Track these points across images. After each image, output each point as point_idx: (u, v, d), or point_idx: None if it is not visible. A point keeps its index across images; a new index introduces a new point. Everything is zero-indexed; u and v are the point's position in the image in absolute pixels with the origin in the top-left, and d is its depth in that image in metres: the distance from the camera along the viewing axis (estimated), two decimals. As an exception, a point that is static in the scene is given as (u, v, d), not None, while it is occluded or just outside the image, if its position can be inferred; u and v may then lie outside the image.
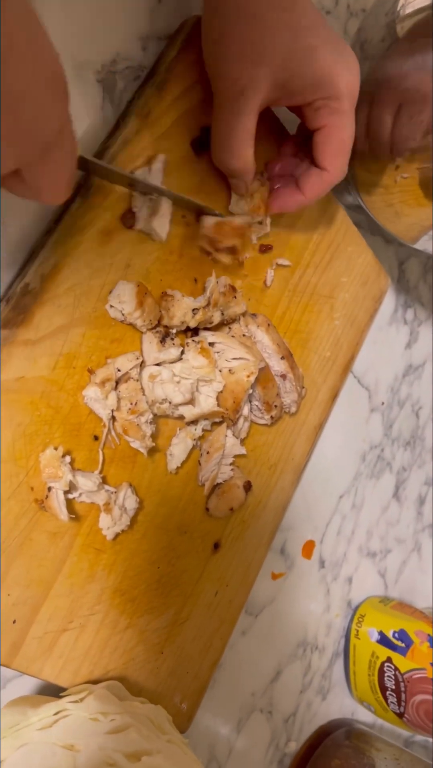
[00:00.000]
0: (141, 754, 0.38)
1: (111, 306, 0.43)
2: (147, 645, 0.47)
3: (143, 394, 0.44)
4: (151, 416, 0.44)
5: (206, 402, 0.46)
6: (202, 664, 0.51)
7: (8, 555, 0.39)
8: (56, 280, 0.40)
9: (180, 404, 0.45)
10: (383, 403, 0.73)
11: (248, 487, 0.51)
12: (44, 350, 0.40)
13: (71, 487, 0.41)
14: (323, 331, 0.59)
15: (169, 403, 0.45)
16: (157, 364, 0.44)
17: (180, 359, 0.45)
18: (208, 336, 0.47)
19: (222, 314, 0.47)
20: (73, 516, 0.42)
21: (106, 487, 0.43)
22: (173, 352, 0.44)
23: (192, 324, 0.45)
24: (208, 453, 0.48)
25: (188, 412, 0.46)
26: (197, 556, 0.50)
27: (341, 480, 0.69)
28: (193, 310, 0.44)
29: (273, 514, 0.56)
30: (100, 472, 0.43)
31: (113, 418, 0.43)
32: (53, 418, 0.41)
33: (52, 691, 0.43)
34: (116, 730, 0.39)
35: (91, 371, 0.42)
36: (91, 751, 0.37)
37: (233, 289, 0.48)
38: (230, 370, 0.47)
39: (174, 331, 0.46)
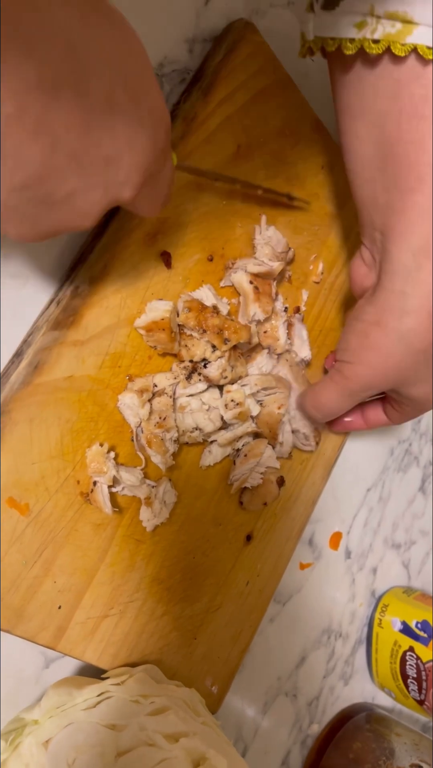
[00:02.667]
0: (179, 735, 0.40)
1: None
2: (181, 631, 0.49)
3: (174, 411, 0.45)
4: (176, 434, 0.45)
5: (242, 426, 0.48)
6: (232, 649, 0.53)
7: (55, 545, 0.41)
8: (104, 283, 0.42)
9: (211, 432, 0.47)
10: (412, 398, 0.73)
11: (281, 482, 0.53)
12: (92, 350, 0.42)
13: (115, 481, 0.43)
14: (356, 329, 0.59)
15: (201, 431, 0.46)
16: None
17: (207, 390, 0.46)
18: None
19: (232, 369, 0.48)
20: (117, 509, 0.44)
21: (147, 481, 0.45)
22: (200, 386, 0.45)
23: (213, 359, 0.45)
24: (245, 456, 0.49)
25: (222, 436, 0.48)
26: (230, 548, 0.52)
27: (369, 473, 0.70)
28: (213, 346, 0.45)
29: (303, 508, 0.58)
30: (143, 468, 0.45)
31: (141, 429, 0.44)
32: (99, 415, 0.43)
33: (92, 672, 0.45)
34: (156, 712, 0.41)
35: (131, 378, 0.43)
36: (133, 731, 0.39)
37: (234, 348, 0.47)
38: (261, 403, 0.49)
39: (199, 366, 0.46)
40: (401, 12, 0.35)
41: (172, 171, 0.35)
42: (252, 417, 0.49)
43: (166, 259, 0.44)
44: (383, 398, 0.51)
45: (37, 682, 0.46)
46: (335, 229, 0.55)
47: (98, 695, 0.41)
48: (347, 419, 0.54)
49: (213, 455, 0.48)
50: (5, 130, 0.23)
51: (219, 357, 0.45)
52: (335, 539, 0.67)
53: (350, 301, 0.58)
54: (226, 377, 0.45)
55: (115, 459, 0.43)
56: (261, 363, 0.50)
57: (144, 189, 0.32)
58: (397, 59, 0.37)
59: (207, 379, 0.45)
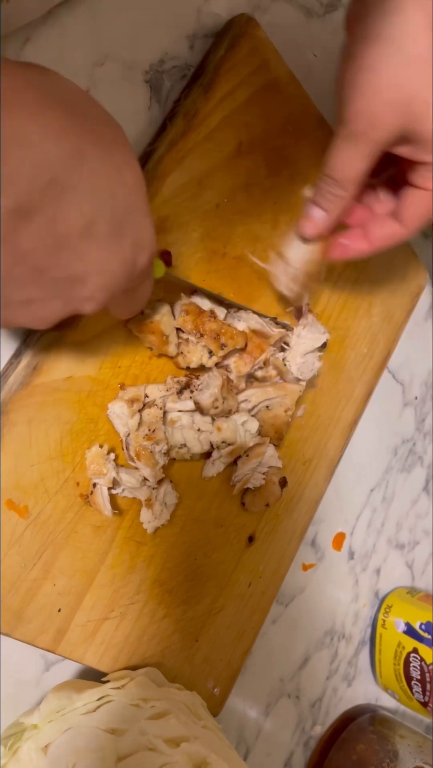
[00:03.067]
0: (180, 740, 0.40)
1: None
2: (183, 633, 0.49)
3: (163, 424, 0.44)
4: (165, 447, 0.44)
5: (246, 437, 0.48)
6: (234, 651, 0.53)
7: (55, 547, 0.41)
8: (104, 282, 0.41)
9: (198, 453, 0.46)
10: (416, 398, 0.73)
11: (283, 483, 0.52)
12: (91, 351, 0.41)
13: (114, 483, 0.43)
14: (360, 328, 0.59)
15: (188, 449, 0.46)
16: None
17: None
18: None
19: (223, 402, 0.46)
20: (117, 511, 0.43)
21: (148, 482, 0.44)
22: (189, 404, 0.45)
23: (209, 365, 0.45)
24: (247, 456, 0.49)
25: (226, 449, 0.47)
26: (232, 549, 0.52)
27: (373, 473, 0.70)
28: (210, 351, 0.44)
29: (306, 508, 0.57)
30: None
31: (128, 442, 0.43)
32: (99, 416, 0.42)
33: (93, 676, 0.45)
34: (156, 716, 0.41)
35: (122, 386, 0.43)
36: (133, 735, 0.39)
37: (229, 381, 0.47)
38: (267, 407, 0.49)
39: (194, 382, 0.46)
40: None
41: (149, 286, 0.36)
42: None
43: (167, 258, 0.44)
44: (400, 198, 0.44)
45: (38, 685, 0.46)
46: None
47: (98, 699, 0.41)
48: (346, 240, 0.46)
49: (216, 467, 0.48)
50: None
51: (216, 362, 0.45)
52: (338, 540, 0.67)
53: (352, 301, 0.58)
54: (217, 407, 0.45)
55: (115, 460, 0.43)
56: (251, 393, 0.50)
57: (114, 301, 0.33)
58: None
59: (197, 406, 0.45)
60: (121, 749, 0.39)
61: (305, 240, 0.46)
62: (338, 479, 0.64)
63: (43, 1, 0.37)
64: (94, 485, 0.42)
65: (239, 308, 0.48)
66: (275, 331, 0.49)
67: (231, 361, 0.47)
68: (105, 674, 0.44)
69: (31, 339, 0.40)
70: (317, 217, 0.44)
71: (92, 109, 0.28)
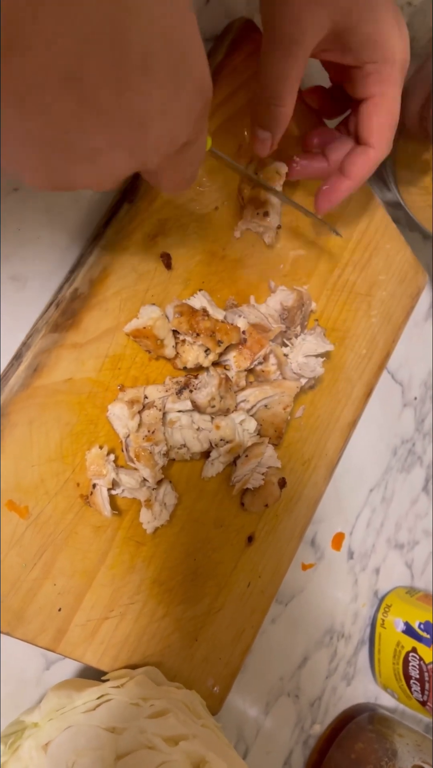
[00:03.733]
0: (179, 738, 0.40)
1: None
2: (183, 633, 0.49)
3: (163, 425, 0.45)
4: (165, 448, 0.45)
5: (245, 436, 0.48)
6: (234, 650, 0.53)
7: (55, 547, 0.41)
8: (104, 285, 0.41)
9: (198, 452, 0.46)
10: (415, 398, 0.73)
11: (282, 483, 0.53)
12: (91, 353, 0.42)
13: (114, 483, 0.43)
14: (359, 329, 0.59)
15: (188, 449, 0.46)
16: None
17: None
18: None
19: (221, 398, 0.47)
20: (116, 512, 0.43)
21: (147, 483, 0.45)
22: (189, 403, 0.45)
23: (206, 364, 0.45)
24: (246, 456, 0.49)
25: (223, 455, 0.47)
26: (232, 549, 0.52)
27: (372, 474, 0.70)
28: (206, 350, 0.44)
29: (306, 509, 0.58)
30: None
31: (129, 441, 0.44)
32: (98, 417, 0.43)
33: (93, 674, 0.45)
34: (156, 714, 0.41)
35: (122, 388, 0.43)
36: (132, 734, 0.39)
37: (227, 380, 0.47)
38: (266, 406, 0.49)
39: (193, 382, 0.46)
40: None
41: (203, 149, 0.33)
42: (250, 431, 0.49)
43: (166, 260, 0.44)
44: (356, 120, 0.44)
45: (38, 684, 0.46)
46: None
47: (98, 698, 0.41)
48: (303, 161, 0.47)
49: (215, 467, 0.48)
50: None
51: (213, 361, 0.45)
52: (338, 540, 0.67)
53: (351, 302, 0.58)
54: (213, 406, 0.45)
55: (114, 461, 0.43)
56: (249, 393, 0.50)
57: (172, 160, 0.31)
58: None
59: (194, 405, 0.45)
60: (121, 747, 0.39)
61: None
62: (338, 479, 0.64)
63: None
64: (94, 486, 0.42)
65: (290, 202, 0.47)
66: (275, 326, 0.49)
67: (231, 357, 0.48)
68: (105, 673, 0.44)
69: (32, 338, 0.40)
70: (263, 136, 0.44)
71: None
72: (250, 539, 0.53)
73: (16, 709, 0.44)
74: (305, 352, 0.52)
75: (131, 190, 0.42)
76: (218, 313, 0.45)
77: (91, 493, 0.42)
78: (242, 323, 0.48)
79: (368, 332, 0.60)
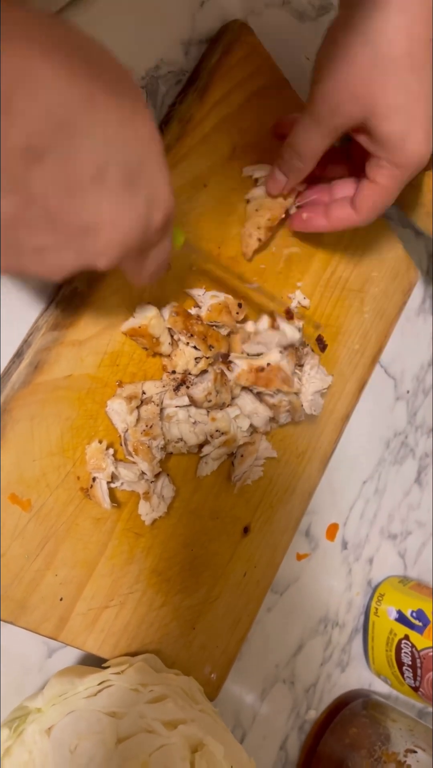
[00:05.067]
0: (177, 722, 0.42)
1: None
2: (180, 621, 0.51)
3: (161, 420, 0.46)
4: (162, 442, 0.46)
5: (240, 432, 0.49)
6: (230, 638, 0.55)
7: (57, 539, 0.43)
8: (103, 284, 0.43)
9: (194, 445, 0.48)
10: (408, 392, 0.74)
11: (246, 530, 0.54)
12: (90, 350, 0.43)
13: (113, 477, 0.44)
14: (352, 324, 0.60)
15: (185, 443, 0.47)
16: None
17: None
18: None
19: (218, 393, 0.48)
20: (115, 504, 0.45)
21: (146, 476, 0.46)
22: (185, 400, 0.46)
23: (195, 372, 0.46)
24: (242, 456, 0.51)
25: (214, 452, 0.49)
26: (228, 540, 0.53)
27: (366, 466, 0.71)
28: (196, 358, 0.45)
29: (300, 500, 0.59)
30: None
31: (128, 435, 0.45)
32: (98, 412, 0.44)
33: (93, 661, 0.47)
34: (155, 700, 0.43)
35: (120, 384, 0.44)
36: (132, 718, 0.41)
37: (223, 375, 0.48)
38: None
39: (189, 378, 0.47)
40: None
41: (166, 250, 0.35)
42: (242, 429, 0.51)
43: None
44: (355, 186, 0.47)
45: (41, 671, 0.47)
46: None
47: (99, 684, 0.42)
48: (306, 215, 0.50)
49: (210, 466, 0.50)
50: None
51: (202, 370, 0.46)
52: (332, 530, 0.68)
53: (344, 298, 0.59)
54: (210, 401, 0.46)
55: (114, 455, 0.44)
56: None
57: (128, 262, 0.33)
58: None
59: (191, 399, 0.46)
60: (121, 731, 0.40)
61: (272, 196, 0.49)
62: (332, 471, 0.65)
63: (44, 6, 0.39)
64: (94, 479, 0.43)
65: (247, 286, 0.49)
66: (289, 367, 0.50)
67: (240, 364, 0.48)
68: (105, 660, 0.46)
69: (33, 336, 0.41)
70: (279, 179, 0.47)
71: (104, 57, 0.27)
72: (246, 530, 0.54)
73: (19, 696, 0.46)
74: (313, 390, 0.53)
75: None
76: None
77: (91, 486, 0.43)
78: (273, 357, 0.49)
79: (361, 328, 0.61)
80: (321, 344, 0.56)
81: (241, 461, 0.51)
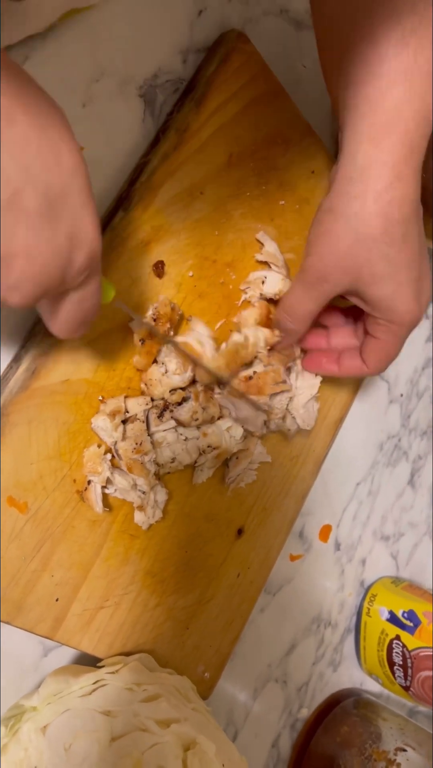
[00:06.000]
0: (170, 721, 0.43)
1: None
2: (174, 621, 0.52)
3: (148, 435, 0.46)
4: (154, 456, 0.46)
5: (231, 442, 0.50)
6: (223, 638, 0.56)
7: (53, 541, 0.43)
8: (99, 290, 0.43)
9: (189, 464, 0.48)
10: (401, 395, 0.75)
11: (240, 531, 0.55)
12: (87, 355, 0.43)
13: (108, 482, 0.45)
14: (346, 329, 0.61)
15: (179, 462, 0.48)
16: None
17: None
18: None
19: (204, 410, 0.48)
20: (107, 509, 0.45)
21: (139, 486, 0.46)
22: (172, 423, 0.47)
23: (172, 401, 0.46)
24: (237, 459, 0.51)
25: (209, 461, 0.49)
26: (222, 542, 0.54)
27: (359, 468, 0.72)
28: (171, 390, 0.45)
29: (294, 502, 0.60)
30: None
31: (119, 455, 0.45)
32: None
33: (88, 661, 0.47)
34: (148, 699, 0.43)
35: (103, 400, 0.44)
36: (126, 717, 0.42)
37: (205, 390, 0.48)
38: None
39: (169, 404, 0.47)
40: None
41: (92, 299, 0.33)
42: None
43: (159, 268, 0.46)
44: (363, 340, 0.49)
45: (36, 670, 0.48)
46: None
47: (94, 683, 0.43)
48: (319, 359, 0.52)
49: (204, 473, 0.50)
50: None
51: (178, 400, 0.46)
52: (325, 532, 0.69)
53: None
54: (197, 419, 0.47)
55: (111, 461, 0.45)
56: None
57: (46, 304, 0.32)
58: None
59: (178, 422, 0.47)
60: (115, 730, 0.41)
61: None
62: (326, 474, 0.66)
63: (43, 17, 0.39)
64: (89, 482, 0.44)
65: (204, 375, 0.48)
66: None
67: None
68: (100, 660, 0.47)
69: (30, 342, 0.42)
70: (278, 336, 0.50)
71: (31, 86, 0.27)
72: (239, 532, 0.55)
73: (15, 695, 0.47)
74: (303, 401, 0.53)
75: (126, 198, 0.44)
76: (208, 349, 0.47)
77: (86, 489, 0.44)
78: (258, 368, 0.49)
79: (355, 332, 0.62)
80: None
81: (236, 464, 0.51)
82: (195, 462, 0.49)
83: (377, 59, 0.39)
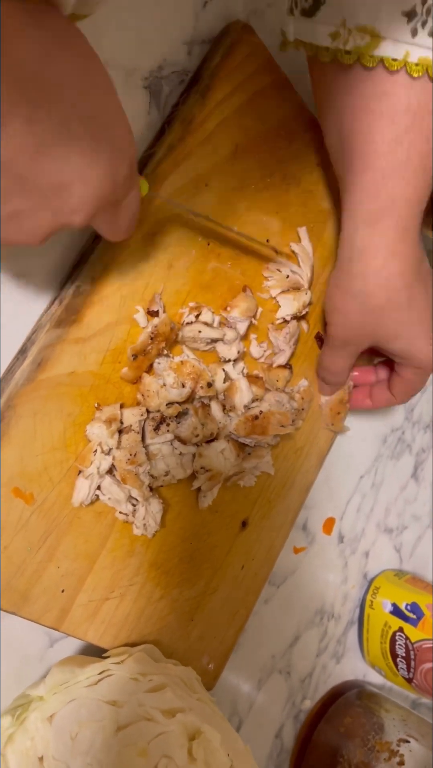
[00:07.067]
0: (175, 711, 0.43)
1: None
2: (179, 613, 0.52)
3: (143, 446, 0.46)
4: (149, 467, 0.46)
5: (226, 464, 0.51)
6: (228, 630, 0.56)
7: (59, 532, 0.44)
8: (105, 282, 0.43)
9: (183, 479, 0.49)
10: (405, 388, 0.75)
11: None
12: (93, 347, 0.44)
13: (100, 488, 0.45)
14: (351, 322, 0.61)
15: (173, 476, 0.48)
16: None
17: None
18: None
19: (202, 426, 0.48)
20: (90, 503, 0.45)
21: (134, 501, 0.46)
22: (168, 436, 0.47)
23: (168, 414, 0.46)
24: (249, 454, 0.51)
25: (205, 475, 0.49)
26: (226, 533, 0.54)
27: (363, 461, 0.72)
28: (168, 404, 0.46)
29: (297, 495, 0.60)
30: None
31: (113, 464, 0.45)
32: (100, 408, 0.45)
33: (94, 652, 0.48)
34: (154, 689, 0.44)
35: (99, 407, 0.44)
36: (132, 707, 0.42)
37: (205, 406, 0.49)
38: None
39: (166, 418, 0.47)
40: (369, 26, 0.39)
41: (136, 200, 0.36)
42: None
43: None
44: (390, 373, 0.56)
45: (42, 661, 0.49)
46: (329, 226, 0.57)
47: (100, 673, 0.44)
48: (356, 396, 0.60)
49: (208, 498, 0.51)
50: None
51: (174, 414, 0.46)
52: (329, 524, 0.69)
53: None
54: (198, 435, 0.47)
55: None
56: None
57: (102, 216, 0.33)
58: (365, 66, 0.41)
59: (179, 439, 0.47)
60: (121, 719, 0.41)
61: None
62: (329, 466, 0.66)
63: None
64: (79, 472, 0.44)
65: (228, 229, 0.49)
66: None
67: (233, 420, 0.50)
68: (106, 650, 0.47)
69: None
70: (327, 389, 0.58)
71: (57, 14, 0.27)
72: (244, 524, 0.55)
73: (21, 685, 0.47)
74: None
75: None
76: (214, 332, 0.48)
77: (79, 472, 0.44)
78: (265, 406, 0.51)
79: (360, 325, 0.62)
80: (320, 341, 0.57)
81: (246, 458, 0.51)
82: (193, 477, 0.50)
83: (374, 154, 0.43)
